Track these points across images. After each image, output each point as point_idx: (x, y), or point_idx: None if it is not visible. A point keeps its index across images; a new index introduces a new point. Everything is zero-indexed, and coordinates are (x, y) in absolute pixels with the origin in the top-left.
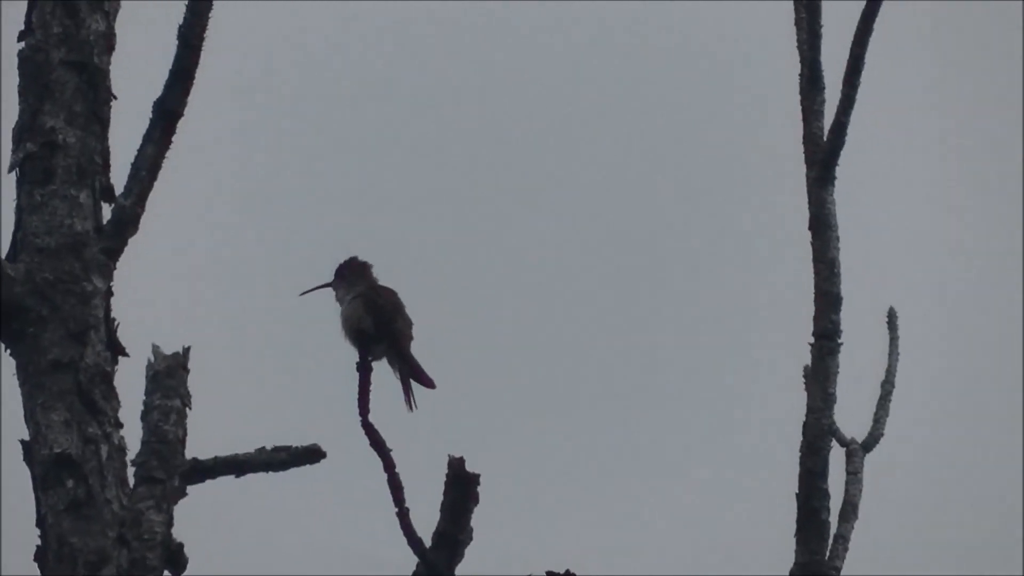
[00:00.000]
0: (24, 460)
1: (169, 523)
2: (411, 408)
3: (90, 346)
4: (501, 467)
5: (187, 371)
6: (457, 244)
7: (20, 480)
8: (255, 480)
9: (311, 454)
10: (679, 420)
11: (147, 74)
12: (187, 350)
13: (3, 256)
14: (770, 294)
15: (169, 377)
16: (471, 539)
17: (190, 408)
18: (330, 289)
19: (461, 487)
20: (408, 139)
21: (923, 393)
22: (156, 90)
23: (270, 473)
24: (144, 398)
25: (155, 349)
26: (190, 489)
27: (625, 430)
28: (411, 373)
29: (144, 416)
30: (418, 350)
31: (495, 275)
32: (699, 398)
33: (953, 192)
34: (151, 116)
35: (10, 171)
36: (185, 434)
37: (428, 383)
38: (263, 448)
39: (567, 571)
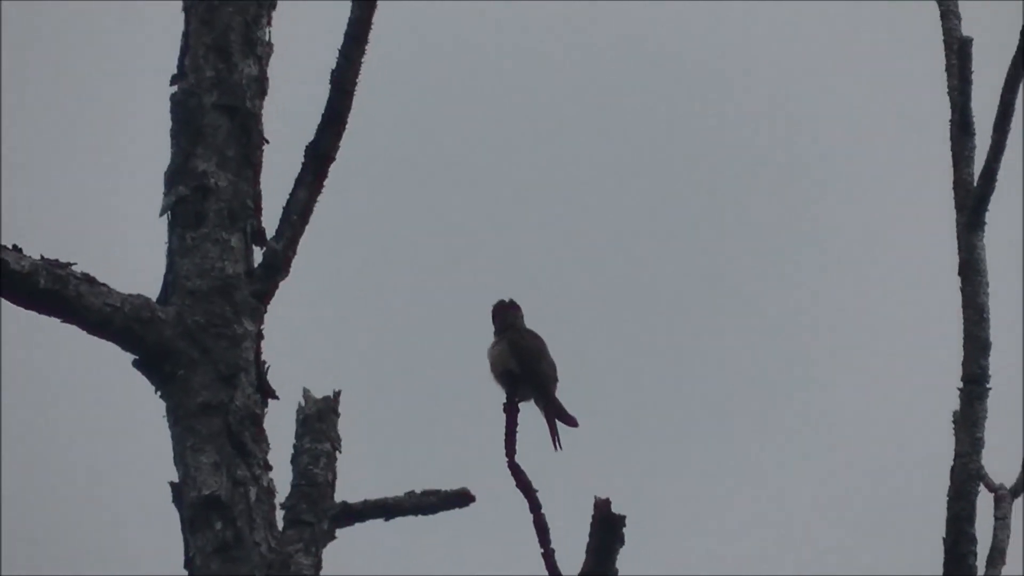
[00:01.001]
0: (173, 502)
1: (318, 566)
2: (557, 448)
3: (240, 389)
4: (647, 501)
5: (337, 415)
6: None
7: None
8: (404, 523)
9: (460, 498)
10: (821, 459)
11: (299, 118)
12: (337, 394)
13: (155, 299)
14: (917, 338)
15: (319, 421)
16: None
17: (340, 452)
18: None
19: (607, 529)
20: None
21: None
22: (308, 134)
23: (419, 517)
24: (294, 441)
25: (306, 393)
26: (339, 532)
27: (766, 471)
28: (556, 414)
29: (294, 459)
30: (562, 392)
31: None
32: (843, 440)
33: None
34: (303, 160)
35: (162, 214)
36: (335, 477)
37: (571, 422)
38: (412, 492)
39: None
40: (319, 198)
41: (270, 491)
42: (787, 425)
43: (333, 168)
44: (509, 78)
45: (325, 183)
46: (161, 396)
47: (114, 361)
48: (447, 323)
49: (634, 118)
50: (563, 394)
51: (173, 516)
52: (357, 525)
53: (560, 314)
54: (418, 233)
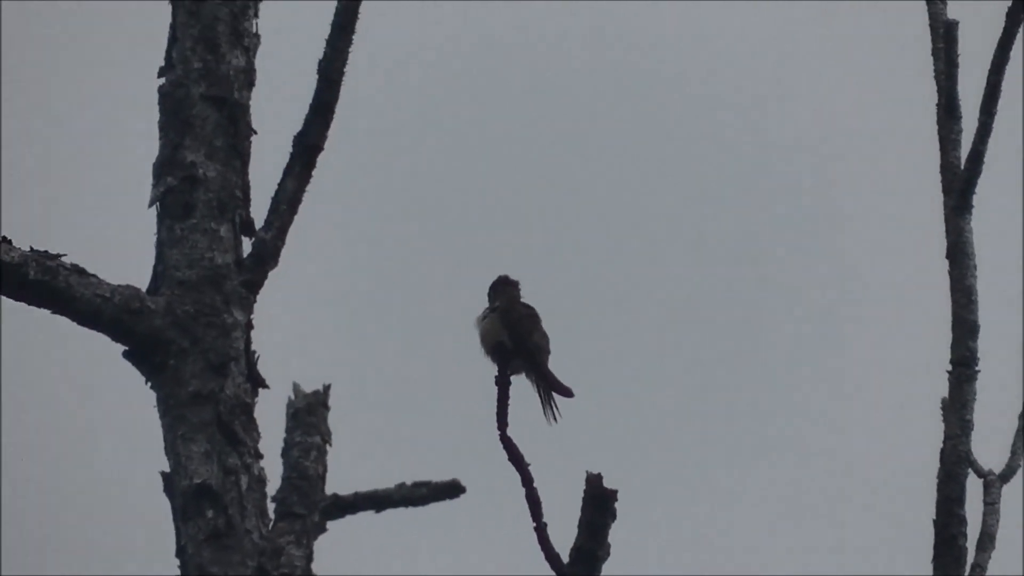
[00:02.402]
0: (164, 491)
1: (309, 558)
2: (551, 421)
3: (230, 378)
4: (642, 475)
5: (327, 408)
6: (591, 257)
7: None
8: (395, 514)
9: (451, 489)
10: (810, 441)
11: (287, 109)
12: (327, 388)
13: (144, 290)
14: (906, 321)
15: (310, 414)
16: (609, 554)
17: (330, 445)
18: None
19: (599, 504)
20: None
21: None
22: (296, 125)
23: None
24: (284, 435)
25: (295, 387)
26: (330, 525)
27: (757, 450)
28: (549, 385)
29: (284, 453)
30: (557, 365)
31: (631, 288)
32: (832, 423)
33: None
34: (291, 150)
35: (151, 206)
36: (325, 470)
37: (566, 393)
38: (403, 484)
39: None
40: (307, 188)
41: (261, 479)
42: (781, 405)
43: (321, 158)
44: (504, 68)
45: (313, 173)
46: (151, 386)
47: (104, 352)
48: (438, 310)
49: (624, 111)
50: (557, 366)
51: (165, 506)
52: (348, 517)
53: (557, 294)
54: (408, 221)
